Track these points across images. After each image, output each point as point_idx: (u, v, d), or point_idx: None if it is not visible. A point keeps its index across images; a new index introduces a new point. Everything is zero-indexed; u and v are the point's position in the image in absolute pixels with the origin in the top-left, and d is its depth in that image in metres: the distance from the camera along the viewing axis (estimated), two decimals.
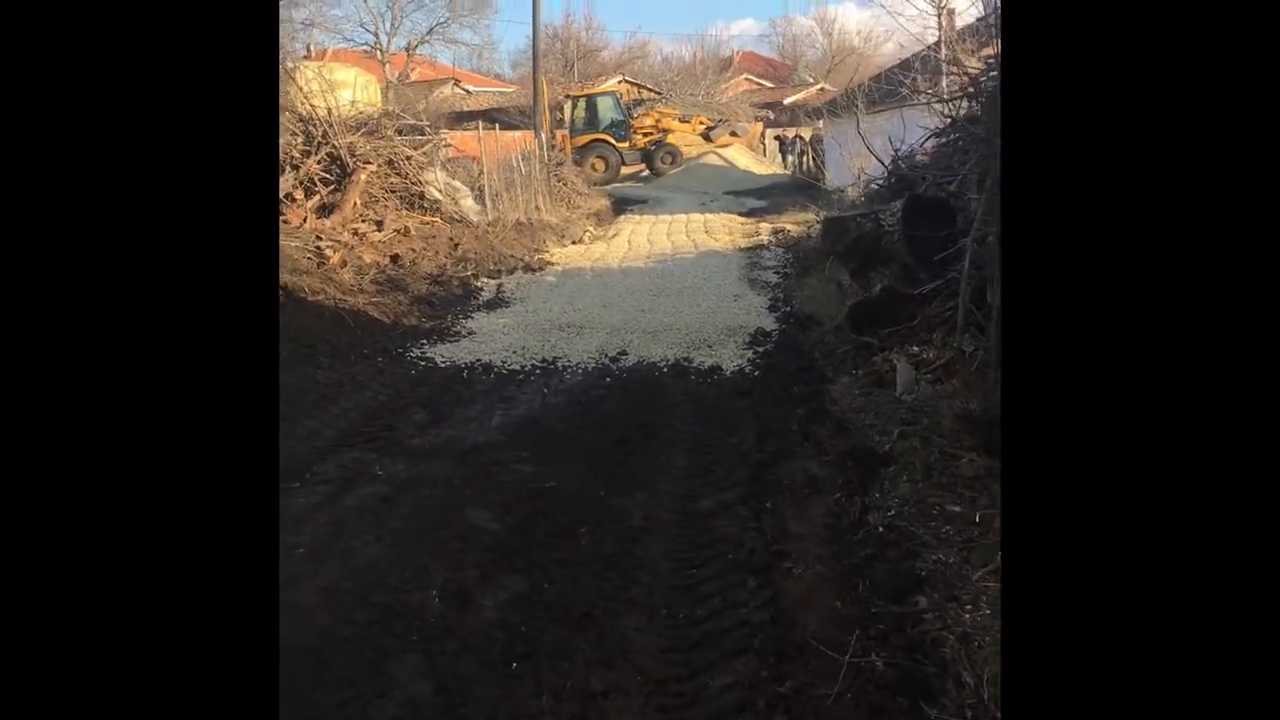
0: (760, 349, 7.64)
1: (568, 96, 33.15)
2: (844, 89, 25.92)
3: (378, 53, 48.24)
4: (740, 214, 22.01)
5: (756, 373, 6.95)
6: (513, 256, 13.60)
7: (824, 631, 3.26)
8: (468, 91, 49.46)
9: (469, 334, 8.42)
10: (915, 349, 6.20)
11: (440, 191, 14.31)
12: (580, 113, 30.29)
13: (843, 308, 8.53)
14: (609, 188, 28.63)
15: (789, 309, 9.10)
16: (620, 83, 45.25)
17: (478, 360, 7.44)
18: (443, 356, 7.56)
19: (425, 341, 8.00)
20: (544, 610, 3.50)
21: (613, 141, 29.34)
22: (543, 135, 28.69)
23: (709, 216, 21.02)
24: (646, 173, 30.34)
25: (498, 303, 10.07)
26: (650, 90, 44.41)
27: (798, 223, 17.75)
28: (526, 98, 31.90)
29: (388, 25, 47.68)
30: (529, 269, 12.52)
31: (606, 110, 30.32)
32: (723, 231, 17.59)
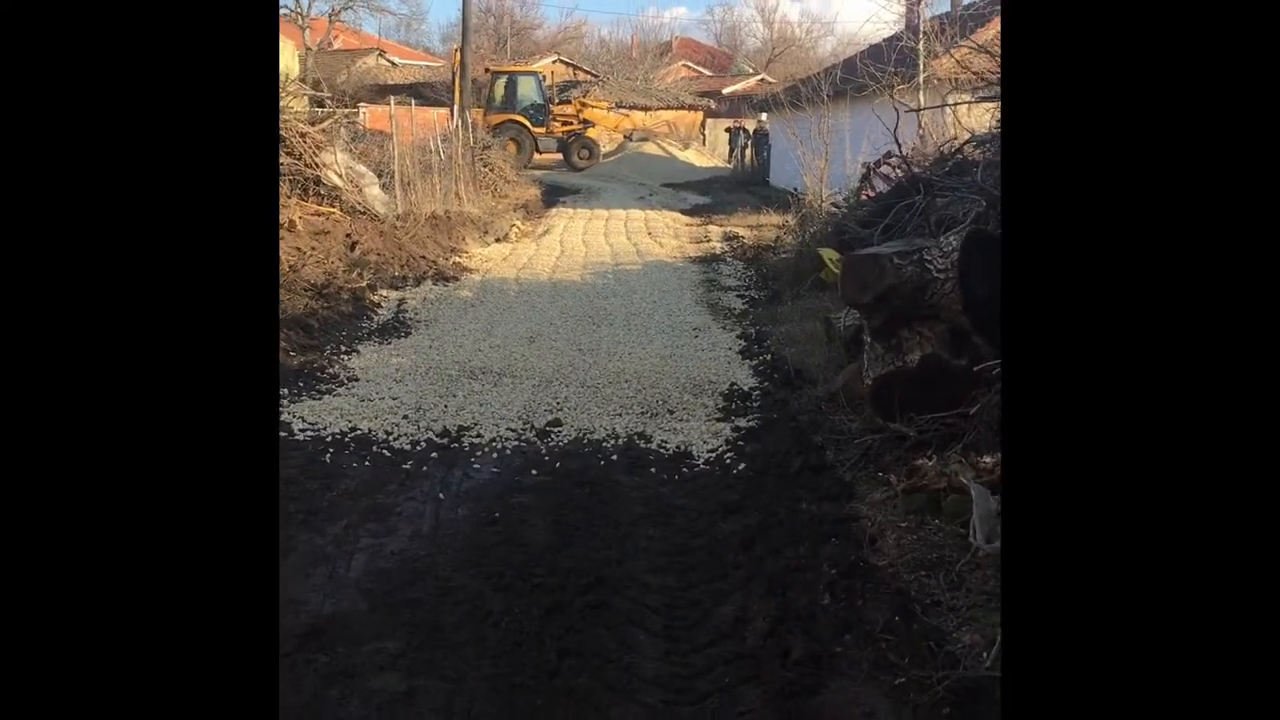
0: (740, 424, 5.65)
1: (488, 71, 31.54)
2: (798, 78, 24.07)
3: (298, 17, 45.17)
4: (683, 210, 20.08)
5: (741, 466, 4.97)
6: (424, 259, 11.45)
7: None
8: (393, 64, 46.85)
9: (349, 380, 6.28)
10: (983, 457, 4.28)
11: (340, 177, 12.06)
12: (499, 90, 28.47)
13: (837, 356, 6.64)
14: (540, 174, 26.82)
15: (768, 356, 7.13)
16: (555, 63, 43.17)
17: (352, 429, 5.33)
18: (304, 421, 5.41)
19: (286, 392, 5.84)
20: None
21: (528, 125, 27.54)
22: (467, 115, 26.65)
23: (650, 214, 19.03)
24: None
25: (396, 328, 7.92)
26: (586, 72, 42.37)
27: (750, 227, 15.88)
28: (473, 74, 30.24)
29: None
30: (441, 277, 10.36)
31: (527, 91, 28.74)
32: (667, 233, 15.60)
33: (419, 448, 5.11)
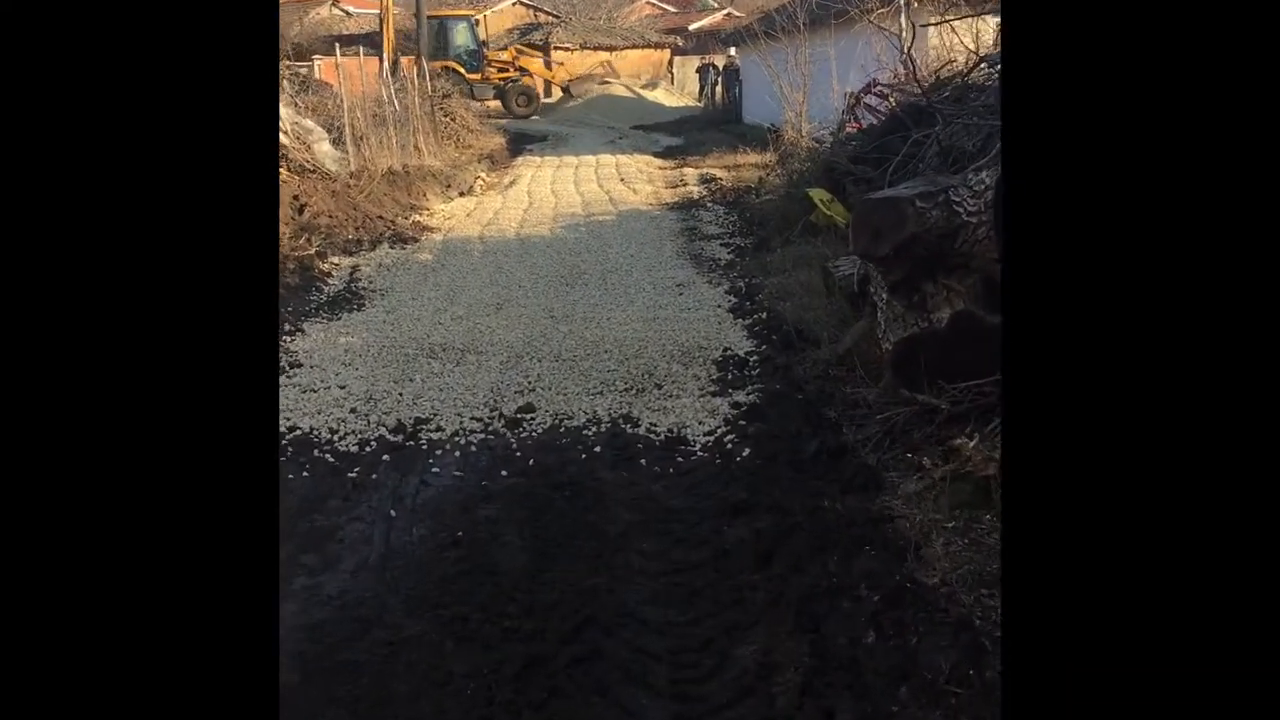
0: (740, 397, 4.93)
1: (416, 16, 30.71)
2: (771, 9, 23.06)
3: None
4: (655, 153, 19.21)
5: (746, 453, 4.26)
6: (381, 218, 10.62)
7: None
8: (347, 13, 45.22)
9: (290, 367, 5.50)
10: None
11: (286, 134, 11.15)
12: (434, 36, 27.62)
13: (839, 310, 5.93)
14: (506, 121, 25.87)
15: (762, 313, 6.40)
16: (515, 4, 41.78)
17: (290, 430, 4.57)
18: None
19: None
20: None
21: (462, 71, 26.60)
22: (424, 63, 25.66)
23: (620, 158, 18.16)
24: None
25: (347, 301, 7.12)
26: (547, 14, 41.00)
27: (727, 167, 15.07)
28: (413, 21, 29.15)
29: None
30: (399, 239, 9.54)
31: (460, 36, 27.74)
32: (640, 178, 14.77)
33: (368, 449, 4.37)
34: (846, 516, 3.52)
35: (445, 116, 19.71)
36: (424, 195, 12.64)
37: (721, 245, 9.06)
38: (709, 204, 11.63)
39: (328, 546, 3.52)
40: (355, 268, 8.10)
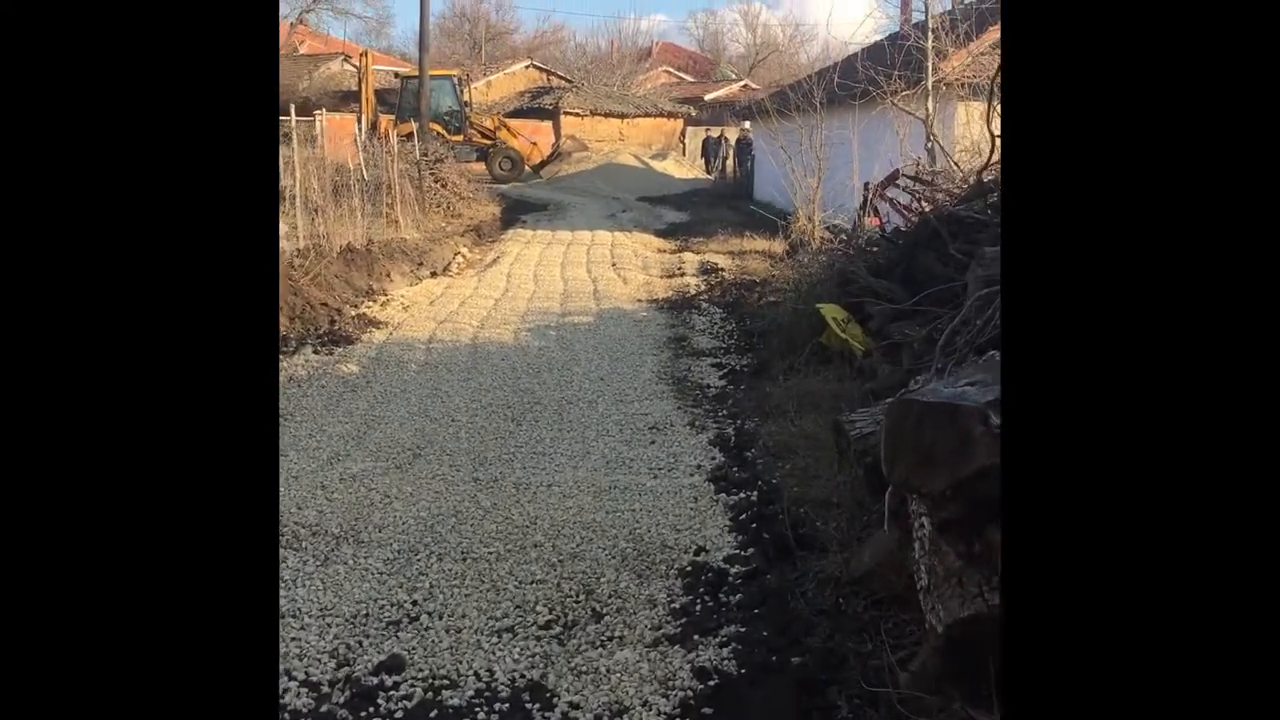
0: (708, 654, 3.35)
1: (397, 76, 30.42)
2: (785, 83, 21.85)
3: None
4: (657, 232, 17.83)
5: None
6: (325, 306, 9.15)
7: None
8: (357, 69, 44.59)
9: None
10: None
11: None
12: (410, 97, 26.93)
13: (853, 488, 4.41)
14: (506, 187, 24.76)
15: (752, 490, 4.82)
16: (528, 68, 41.03)
17: None
18: None
19: None
20: None
21: (443, 132, 25.69)
22: (425, 126, 24.69)
23: (618, 235, 16.76)
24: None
25: None
26: (560, 78, 40.14)
27: (732, 253, 13.65)
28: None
29: None
30: (331, 339, 8.02)
31: (442, 97, 26.98)
32: (634, 264, 13.32)
33: None
34: None
35: (436, 183, 18.42)
36: (388, 275, 11.20)
37: (713, 365, 7.53)
38: (705, 304, 10.12)
39: None
40: None
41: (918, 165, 10.07)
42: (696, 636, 3.48)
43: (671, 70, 51.08)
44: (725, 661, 3.30)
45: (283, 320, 8.40)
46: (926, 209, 7.44)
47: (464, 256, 14.01)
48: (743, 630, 3.50)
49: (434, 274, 12.22)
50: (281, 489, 4.67)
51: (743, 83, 44.60)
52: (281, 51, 41.60)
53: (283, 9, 43.30)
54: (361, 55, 27.97)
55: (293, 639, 3.36)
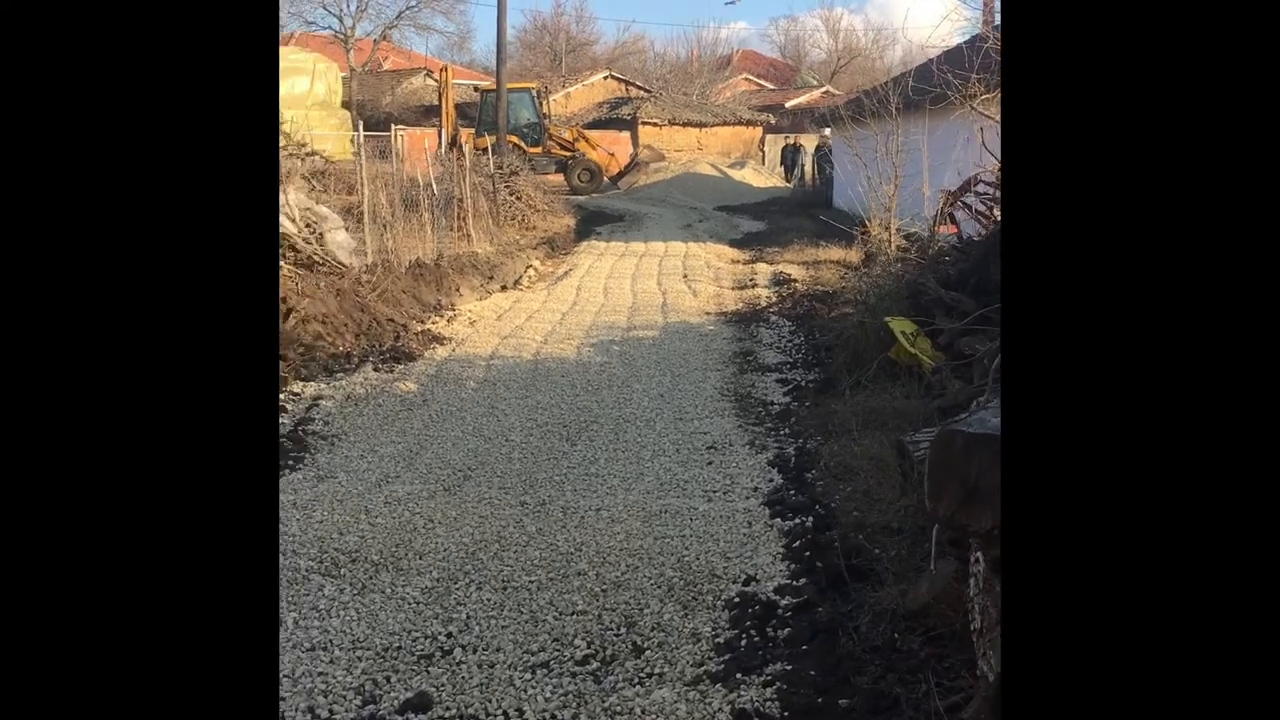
0: (750, 694, 3.16)
1: (477, 90, 30.80)
2: (861, 89, 21.47)
3: (343, 39, 43.72)
4: (732, 242, 17.63)
5: None
6: (391, 322, 9.16)
7: None
8: (438, 84, 45.24)
9: None
10: None
11: (295, 220, 9.83)
12: (489, 110, 27.10)
13: (916, 513, 4.18)
14: (583, 199, 24.81)
15: (808, 515, 4.61)
16: (607, 78, 41.12)
17: None
18: None
19: None
20: None
21: (521, 145, 25.84)
22: (504, 141, 24.87)
23: (691, 246, 16.59)
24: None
25: (282, 453, 5.56)
26: (639, 88, 40.15)
27: (806, 264, 13.39)
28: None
29: (353, 9, 42.89)
30: (393, 356, 8.00)
31: (520, 110, 27.12)
32: (706, 276, 13.14)
33: None
34: None
35: (511, 195, 18.48)
36: (457, 290, 11.20)
37: (778, 381, 7.32)
38: (775, 316, 9.90)
39: None
40: (318, 399, 6.54)
41: (996, 171, 9.72)
42: (739, 675, 3.30)
43: (751, 78, 50.79)
44: (768, 703, 3.12)
45: (347, 337, 8.43)
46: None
47: (535, 269, 13.99)
48: (789, 668, 3.31)
49: (504, 288, 12.20)
50: (326, 513, 4.61)
51: (824, 89, 44.13)
52: (366, 68, 42.42)
53: (366, 25, 44.19)
54: (442, 70, 28.42)
55: (320, 674, 3.27)
